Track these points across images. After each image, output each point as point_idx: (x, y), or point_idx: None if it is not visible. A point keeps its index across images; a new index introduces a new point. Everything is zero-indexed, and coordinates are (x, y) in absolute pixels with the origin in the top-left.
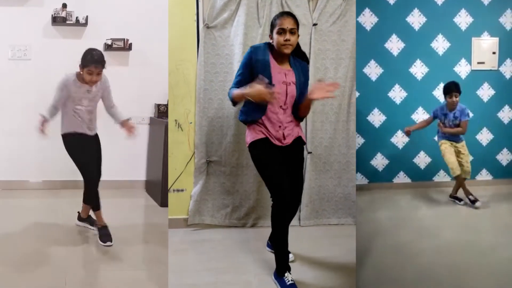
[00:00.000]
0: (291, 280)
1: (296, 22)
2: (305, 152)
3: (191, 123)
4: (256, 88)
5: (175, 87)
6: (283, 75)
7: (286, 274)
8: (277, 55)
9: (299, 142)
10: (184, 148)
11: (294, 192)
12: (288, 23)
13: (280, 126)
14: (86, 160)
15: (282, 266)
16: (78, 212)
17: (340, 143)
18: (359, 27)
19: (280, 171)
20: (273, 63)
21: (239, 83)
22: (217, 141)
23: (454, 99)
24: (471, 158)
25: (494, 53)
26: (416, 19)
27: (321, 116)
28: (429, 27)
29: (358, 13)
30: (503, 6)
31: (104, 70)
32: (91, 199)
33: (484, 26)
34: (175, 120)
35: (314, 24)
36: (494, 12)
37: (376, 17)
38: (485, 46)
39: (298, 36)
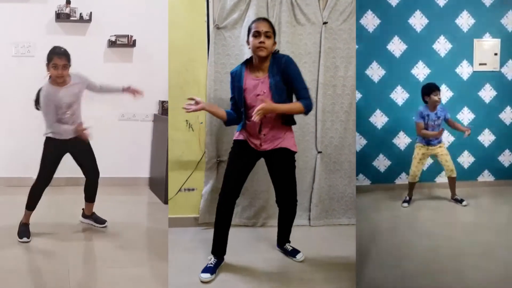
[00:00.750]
0: (210, 264)
1: (272, 28)
2: (314, 152)
3: (201, 123)
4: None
5: (185, 86)
6: (259, 86)
7: (210, 257)
8: (256, 63)
9: (285, 152)
10: (195, 147)
11: (288, 195)
12: (263, 26)
13: (257, 135)
14: (50, 164)
15: (213, 248)
16: (82, 209)
17: (351, 142)
18: (362, 29)
19: (237, 171)
20: (248, 79)
21: (232, 105)
22: (227, 141)
23: (438, 97)
24: (472, 159)
25: (496, 54)
26: (418, 20)
27: (331, 115)
28: (431, 29)
29: (360, 15)
30: (504, 7)
31: (106, 66)
32: (31, 197)
33: (485, 28)
34: (186, 120)
35: (324, 23)
36: (495, 14)
37: (378, 19)
38: (486, 48)
39: (275, 43)
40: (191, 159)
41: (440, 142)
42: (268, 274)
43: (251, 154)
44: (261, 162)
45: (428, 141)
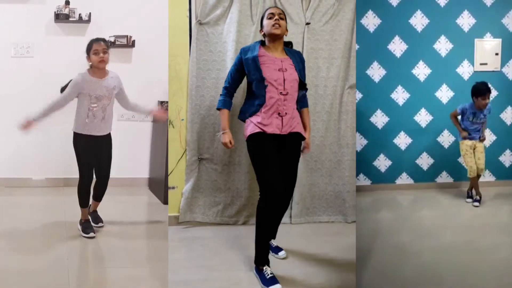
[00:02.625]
0: (271, 274)
1: (284, 14)
2: None
3: (182, 120)
4: (225, 139)
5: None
6: (278, 62)
7: (265, 268)
8: (270, 44)
9: (298, 137)
10: (176, 145)
11: (287, 186)
12: (276, 10)
13: (279, 113)
14: (86, 161)
15: (262, 259)
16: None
17: (332, 141)
18: (362, 28)
19: (274, 166)
20: (264, 55)
21: (232, 81)
22: (209, 139)
23: (487, 100)
24: None
25: (496, 54)
26: (418, 20)
27: (313, 115)
28: (432, 29)
29: (361, 15)
30: (505, 7)
31: (109, 68)
32: (81, 196)
33: (486, 27)
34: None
35: (307, 23)
36: (496, 13)
37: (379, 18)
38: (487, 47)
39: (287, 30)
40: (171, 157)
41: (480, 138)
42: (249, 272)
43: (273, 143)
44: (241, 161)
45: (472, 136)
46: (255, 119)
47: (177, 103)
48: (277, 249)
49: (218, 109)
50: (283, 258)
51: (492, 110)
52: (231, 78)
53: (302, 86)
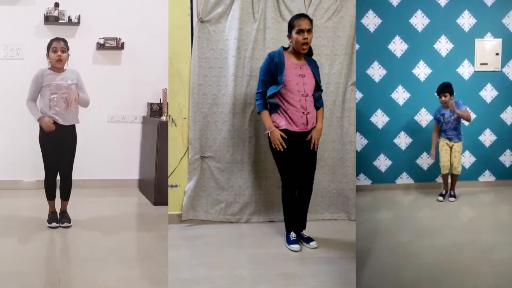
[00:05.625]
0: (293, 237)
1: (311, 22)
2: None
3: (185, 118)
4: (275, 136)
5: (169, 82)
6: (298, 69)
7: (291, 233)
8: (294, 53)
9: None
10: (178, 143)
11: (308, 173)
12: (305, 24)
13: (303, 112)
14: (49, 150)
15: (288, 227)
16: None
17: (334, 139)
18: (363, 28)
19: (292, 159)
20: (288, 61)
21: (264, 86)
22: (211, 137)
23: (443, 99)
24: (473, 159)
25: (497, 54)
26: (419, 20)
27: None
28: (432, 28)
29: (362, 15)
30: (506, 7)
31: (95, 68)
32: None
33: (487, 27)
34: (169, 115)
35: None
36: (497, 13)
37: (380, 18)
38: (488, 47)
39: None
40: (174, 155)
41: (460, 140)
42: (252, 270)
43: (294, 139)
44: (244, 159)
45: (448, 137)
46: (278, 117)
47: (179, 101)
48: (308, 240)
49: (259, 112)
50: (314, 248)
51: (460, 103)
52: (265, 79)
53: (318, 88)
